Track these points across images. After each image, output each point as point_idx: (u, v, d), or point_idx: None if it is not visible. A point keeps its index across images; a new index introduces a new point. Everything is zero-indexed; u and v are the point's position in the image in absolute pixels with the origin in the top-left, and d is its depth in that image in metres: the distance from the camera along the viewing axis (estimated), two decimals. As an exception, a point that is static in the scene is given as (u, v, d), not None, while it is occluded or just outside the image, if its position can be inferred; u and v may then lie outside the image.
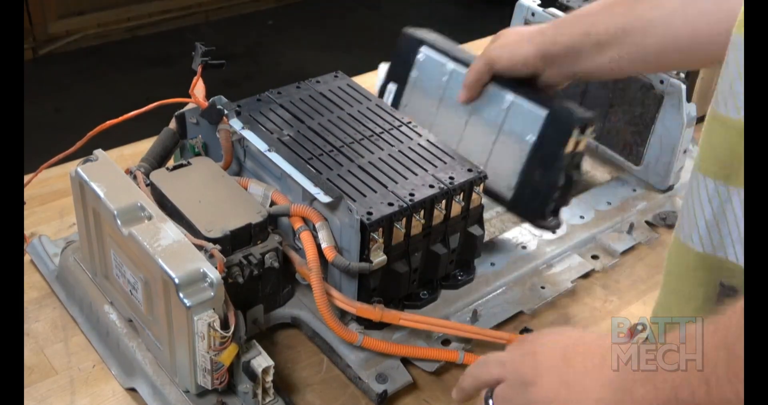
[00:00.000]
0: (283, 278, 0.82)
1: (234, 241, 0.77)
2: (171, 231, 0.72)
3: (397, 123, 0.91)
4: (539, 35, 0.89)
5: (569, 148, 0.87)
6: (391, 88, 1.00)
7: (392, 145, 0.87)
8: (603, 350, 0.54)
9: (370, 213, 0.76)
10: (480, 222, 0.88)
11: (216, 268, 0.70)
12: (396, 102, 1.00)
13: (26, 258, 0.93)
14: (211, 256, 0.72)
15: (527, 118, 0.89)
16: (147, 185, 0.82)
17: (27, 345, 0.82)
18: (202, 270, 0.68)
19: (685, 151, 1.06)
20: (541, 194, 0.90)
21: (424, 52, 0.98)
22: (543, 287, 0.92)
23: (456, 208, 0.83)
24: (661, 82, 1.03)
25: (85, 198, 0.78)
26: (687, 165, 1.08)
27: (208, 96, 0.90)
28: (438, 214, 0.82)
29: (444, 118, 0.96)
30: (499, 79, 0.92)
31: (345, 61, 1.08)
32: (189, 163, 0.85)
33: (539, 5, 1.16)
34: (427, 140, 0.88)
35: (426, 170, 0.84)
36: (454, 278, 0.89)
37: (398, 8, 3.80)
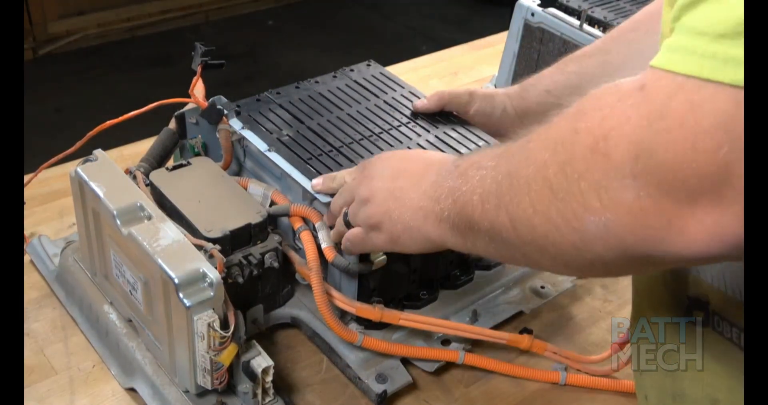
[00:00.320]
0: (283, 278, 0.82)
1: (234, 241, 0.77)
2: (171, 231, 0.72)
3: (396, 123, 0.91)
4: (509, 92, 0.91)
5: None
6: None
7: (392, 145, 0.87)
8: (423, 167, 0.66)
9: (369, 213, 0.76)
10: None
11: (216, 268, 0.70)
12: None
13: (26, 258, 0.93)
14: (210, 256, 0.72)
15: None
16: (147, 185, 0.82)
17: (27, 345, 0.82)
18: (201, 270, 0.68)
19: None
20: None
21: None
22: (543, 287, 0.92)
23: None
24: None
25: (85, 198, 0.78)
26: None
27: (208, 96, 0.90)
28: (438, 214, 0.82)
29: None
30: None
31: (345, 61, 1.08)
32: (189, 163, 0.85)
33: (539, 5, 1.16)
34: (427, 140, 0.88)
35: (426, 170, 0.84)
36: (454, 278, 0.89)
37: (398, 8, 3.80)
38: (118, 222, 0.72)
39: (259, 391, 0.72)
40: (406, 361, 0.81)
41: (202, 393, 0.74)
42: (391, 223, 0.67)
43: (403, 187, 0.66)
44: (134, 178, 0.83)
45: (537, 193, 0.49)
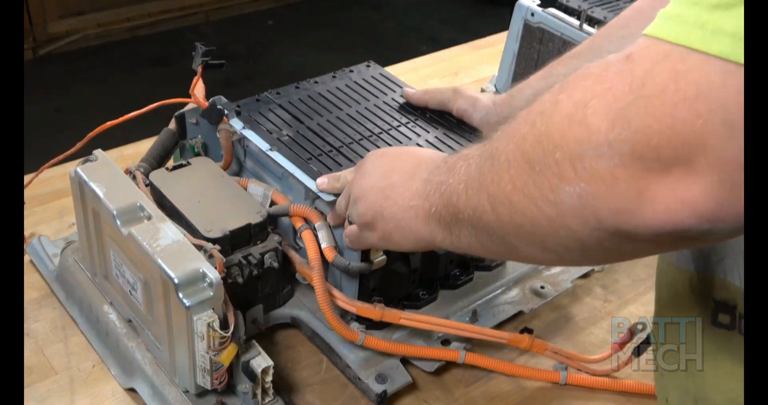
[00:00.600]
0: (283, 278, 0.82)
1: (233, 241, 0.77)
2: (170, 231, 0.72)
3: (396, 123, 0.91)
4: (497, 98, 0.91)
5: None
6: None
7: (391, 146, 0.87)
8: (415, 164, 0.67)
9: (369, 213, 0.76)
10: (480, 222, 0.88)
11: (215, 268, 0.70)
12: None
13: (26, 258, 0.93)
14: (210, 256, 0.72)
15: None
16: (146, 185, 0.82)
17: (27, 345, 0.82)
18: (201, 270, 0.68)
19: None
20: None
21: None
22: (543, 287, 0.92)
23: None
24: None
25: (85, 198, 0.78)
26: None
27: (208, 96, 0.90)
28: (438, 214, 0.82)
29: None
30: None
31: (345, 61, 1.08)
32: (189, 163, 0.85)
33: (539, 5, 1.16)
34: (426, 140, 0.88)
35: (426, 170, 0.84)
36: (454, 278, 0.89)
37: (398, 8, 3.80)
38: (118, 222, 0.72)
39: (259, 391, 0.72)
40: (406, 361, 0.81)
41: (202, 393, 0.74)
42: (383, 222, 0.67)
43: (394, 185, 0.66)
44: (134, 178, 0.83)
45: (516, 168, 0.49)
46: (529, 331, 0.84)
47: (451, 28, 3.51)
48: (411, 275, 0.83)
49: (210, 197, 0.81)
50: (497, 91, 1.25)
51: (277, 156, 0.83)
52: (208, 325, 0.68)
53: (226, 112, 0.87)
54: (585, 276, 0.96)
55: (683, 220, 0.42)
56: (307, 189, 0.80)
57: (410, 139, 0.88)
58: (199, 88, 0.89)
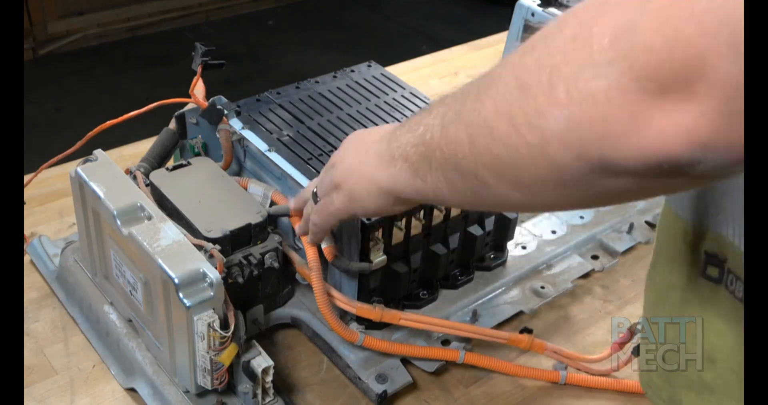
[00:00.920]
0: (283, 278, 0.82)
1: (234, 241, 0.77)
2: (171, 231, 0.72)
3: (396, 123, 0.91)
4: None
5: None
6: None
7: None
8: (392, 128, 0.63)
9: (370, 213, 0.76)
10: (480, 222, 0.88)
11: (216, 268, 0.70)
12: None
13: (26, 258, 0.93)
14: (210, 256, 0.72)
15: None
16: (147, 185, 0.82)
17: (27, 345, 0.82)
18: (201, 270, 0.68)
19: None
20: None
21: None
22: (543, 287, 0.92)
23: (456, 208, 0.83)
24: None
25: (85, 198, 0.78)
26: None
27: (208, 96, 0.90)
28: (438, 214, 0.82)
29: None
30: None
31: (345, 61, 1.08)
32: (189, 163, 0.85)
33: (539, 5, 1.16)
34: (427, 140, 0.88)
35: (426, 170, 0.84)
36: (453, 278, 0.89)
37: (398, 8, 3.80)
38: (119, 222, 0.72)
39: (259, 391, 0.72)
40: (406, 361, 0.81)
41: (202, 393, 0.74)
42: (350, 176, 0.65)
43: (368, 148, 0.64)
44: (134, 178, 0.83)
45: (503, 93, 0.47)
46: (529, 331, 0.84)
47: (451, 28, 3.51)
48: (411, 275, 0.83)
49: (210, 197, 0.81)
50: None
51: (275, 157, 0.83)
52: (209, 325, 0.68)
53: (225, 112, 0.87)
54: (585, 276, 0.96)
55: (674, 148, 0.40)
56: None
57: (410, 139, 0.88)
58: (199, 88, 0.89)
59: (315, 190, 0.72)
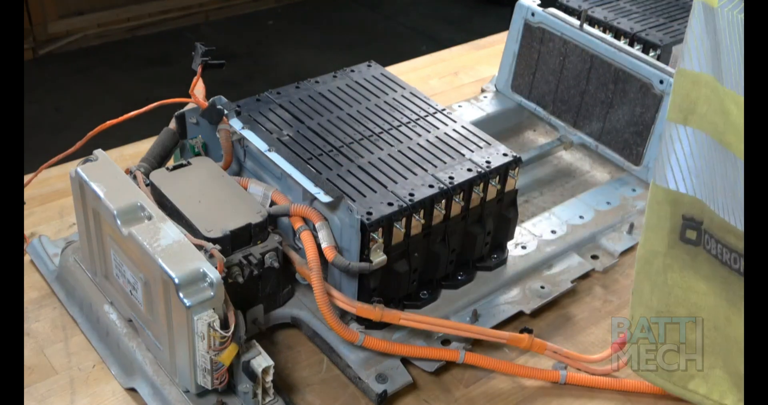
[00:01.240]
0: (283, 278, 0.82)
1: (234, 241, 0.77)
2: (171, 231, 0.72)
3: (396, 123, 0.91)
4: None
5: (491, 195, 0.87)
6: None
7: (392, 145, 0.87)
8: None
9: (370, 213, 0.77)
10: (480, 222, 0.88)
11: (216, 268, 0.70)
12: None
13: (26, 258, 0.93)
14: (211, 256, 0.72)
15: None
16: (147, 185, 0.82)
17: (27, 345, 0.82)
18: (202, 270, 0.68)
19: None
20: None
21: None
22: (543, 287, 0.92)
23: (456, 208, 0.83)
24: (661, 82, 1.03)
25: (85, 198, 0.78)
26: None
27: (208, 96, 0.90)
28: (438, 214, 0.82)
29: None
30: None
31: (345, 61, 1.08)
32: (189, 163, 0.85)
33: (539, 5, 1.16)
34: (427, 140, 0.88)
35: (426, 170, 0.84)
36: (454, 278, 0.89)
37: (398, 8, 3.79)
38: (119, 222, 0.72)
39: (259, 391, 0.72)
40: (406, 361, 0.81)
41: (203, 393, 0.74)
42: None
43: None
44: (134, 178, 0.83)
45: None
46: (529, 331, 0.84)
47: (451, 28, 3.51)
48: (411, 275, 0.83)
49: (210, 197, 0.81)
50: (497, 91, 1.25)
51: (275, 156, 0.83)
52: (209, 324, 0.68)
53: (225, 112, 0.87)
54: (585, 276, 0.96)
55: None
56: (305, 190, 0.79)
57: (411, 138, 0.88)
58: (199, 88, 0.89)
59: None
